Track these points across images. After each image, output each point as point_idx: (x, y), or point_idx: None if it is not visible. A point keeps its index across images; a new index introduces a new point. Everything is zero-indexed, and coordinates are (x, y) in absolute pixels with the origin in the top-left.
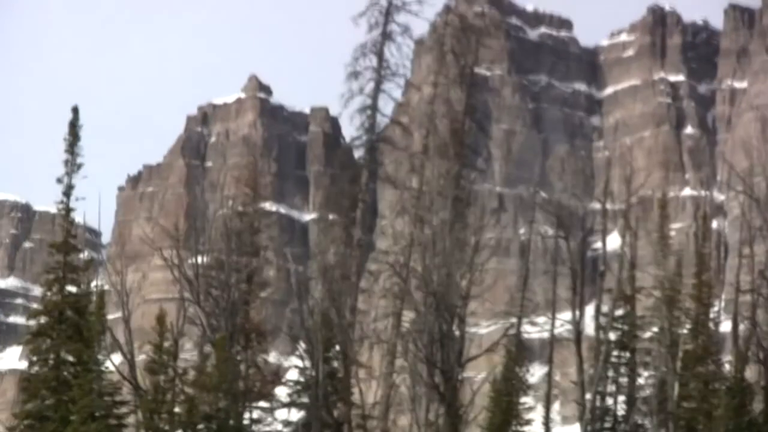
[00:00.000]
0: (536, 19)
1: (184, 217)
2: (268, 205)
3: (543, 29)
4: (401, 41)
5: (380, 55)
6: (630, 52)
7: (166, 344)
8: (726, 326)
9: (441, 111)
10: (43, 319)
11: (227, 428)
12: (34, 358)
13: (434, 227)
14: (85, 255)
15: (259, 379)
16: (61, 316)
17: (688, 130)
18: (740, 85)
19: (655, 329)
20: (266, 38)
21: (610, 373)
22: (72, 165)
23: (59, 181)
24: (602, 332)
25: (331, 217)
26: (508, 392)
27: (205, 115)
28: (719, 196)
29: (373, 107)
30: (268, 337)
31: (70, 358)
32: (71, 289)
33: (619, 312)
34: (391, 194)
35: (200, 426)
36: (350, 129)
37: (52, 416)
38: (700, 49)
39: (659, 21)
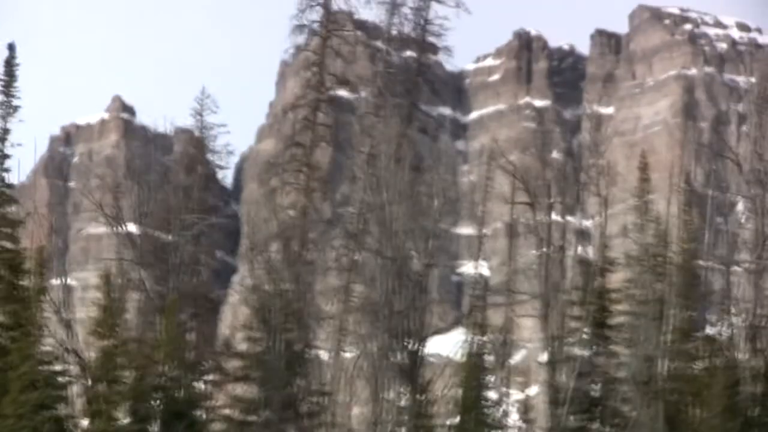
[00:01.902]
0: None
1: (46, 237)
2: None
3: (408, 53)
4: None
5: (327, 7)
6: (496, 77)
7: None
8: None
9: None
10: None
11: (178, 401)
12: None
13: (391, 191)
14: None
15: (209, 349)
16: None
17: (553, 155)
18: (606, 110)
19: (632, 304)
20: (132, 60)
21: (585, 352)
22: (8, 107)
23: None
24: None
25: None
26: (477, 369)
27: (69, 135)
28: (583, 222)
29: (321, 63)
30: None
31: (6, 321)
32: (6, 244)
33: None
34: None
35: (148, 397)
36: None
37: None
38: (567, 75)
39: (525, 46)
